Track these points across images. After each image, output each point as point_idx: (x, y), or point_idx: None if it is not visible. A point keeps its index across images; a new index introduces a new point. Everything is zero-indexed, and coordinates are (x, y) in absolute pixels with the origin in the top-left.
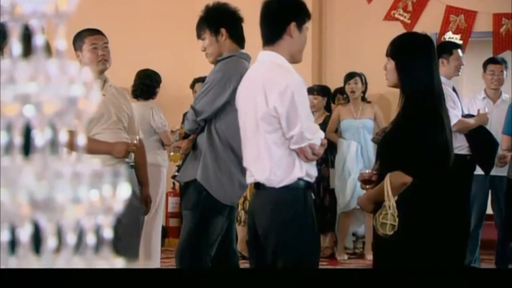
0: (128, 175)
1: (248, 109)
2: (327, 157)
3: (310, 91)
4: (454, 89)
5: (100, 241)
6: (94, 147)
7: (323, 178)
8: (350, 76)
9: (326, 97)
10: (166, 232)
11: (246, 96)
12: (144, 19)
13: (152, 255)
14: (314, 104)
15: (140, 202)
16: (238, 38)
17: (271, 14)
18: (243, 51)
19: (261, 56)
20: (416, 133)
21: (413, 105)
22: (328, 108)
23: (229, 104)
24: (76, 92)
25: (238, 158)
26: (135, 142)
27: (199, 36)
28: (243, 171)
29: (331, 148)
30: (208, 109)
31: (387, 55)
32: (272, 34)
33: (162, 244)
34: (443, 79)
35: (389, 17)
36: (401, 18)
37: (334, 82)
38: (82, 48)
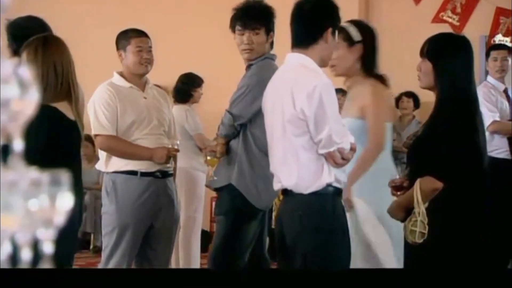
0: (166, 184)
1: (275, 112)
2: None
3: None
4: (505, 91)
5: (38, 256)
6: (135, 153)
7: None
8: None
9: None
10: (209, 237)
11: (273, 99)
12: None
13: (192, 261)
14: None
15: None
16: None
17: (308, 17)
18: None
19: (290, 58)
20: (447, 137)
21: (446, 108)
22: None
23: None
24: (10, 93)
25: None
26: (176, 147)
27: None
28: None
29: None
30: (245, 114)
31: (422, 55)
32: (306, 38)
33: (206, 249)
34: (491, 79)
35: (437, 19)
36: (450, 20)
37: None
38: (126, 48)
